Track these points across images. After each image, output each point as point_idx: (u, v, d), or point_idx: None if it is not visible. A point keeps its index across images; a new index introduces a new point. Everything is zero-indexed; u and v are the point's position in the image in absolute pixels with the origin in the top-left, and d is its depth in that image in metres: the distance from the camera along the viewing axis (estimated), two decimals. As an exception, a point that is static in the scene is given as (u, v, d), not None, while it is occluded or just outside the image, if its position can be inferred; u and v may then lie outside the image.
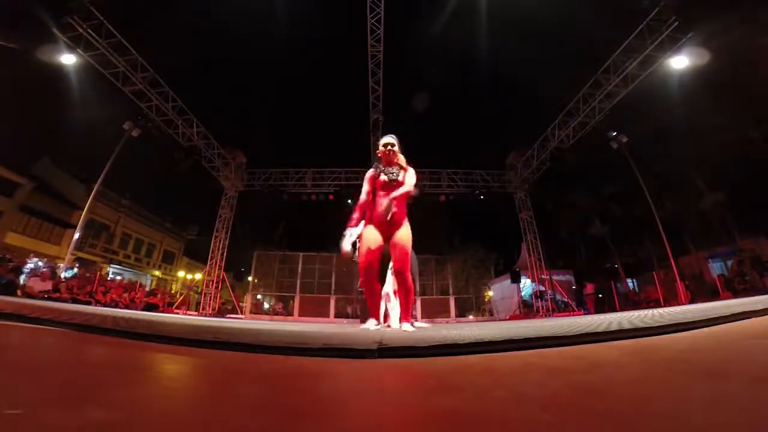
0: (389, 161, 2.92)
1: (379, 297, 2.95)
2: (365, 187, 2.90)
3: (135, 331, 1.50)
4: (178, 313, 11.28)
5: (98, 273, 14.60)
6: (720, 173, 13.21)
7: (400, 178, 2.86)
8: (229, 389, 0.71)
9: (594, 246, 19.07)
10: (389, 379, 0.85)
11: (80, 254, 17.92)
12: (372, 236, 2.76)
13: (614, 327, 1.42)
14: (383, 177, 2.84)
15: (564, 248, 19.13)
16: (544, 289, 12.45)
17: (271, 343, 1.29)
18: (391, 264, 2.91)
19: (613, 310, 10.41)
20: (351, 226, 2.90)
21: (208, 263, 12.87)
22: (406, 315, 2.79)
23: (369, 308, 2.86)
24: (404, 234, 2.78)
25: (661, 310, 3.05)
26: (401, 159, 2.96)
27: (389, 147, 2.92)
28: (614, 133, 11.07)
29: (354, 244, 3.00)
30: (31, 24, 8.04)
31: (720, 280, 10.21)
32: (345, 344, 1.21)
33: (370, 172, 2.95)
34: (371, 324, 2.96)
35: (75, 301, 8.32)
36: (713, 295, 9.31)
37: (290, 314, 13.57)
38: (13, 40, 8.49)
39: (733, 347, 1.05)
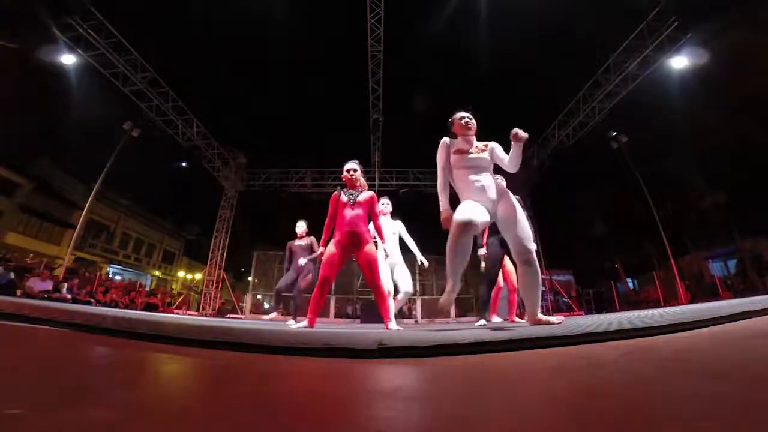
0: (352, 185, 3.31)
1: (320, 306, 3.18)
2: (329, 210, 3.24)
3: (135, 331, 1.50)
4: (178, 313, 11.29)
5: (98, 273, 14.61)
6: (720, 173, 13.20)
7: (359, 199, 3.21)
8: (229, 389, 0.71)
9: (594, 246, 19.08)
10: (389, 379, 0.85)
11: (80, 254, 17.92)
12: (332, 253, 3.09)
13: (614, 327, 1.41)
14: (343, 197, 3.22)
15: (564, 248, 19.12)
16: (544, 289, 12.47)
17: (271, 343, 1.29)
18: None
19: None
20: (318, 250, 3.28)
21: (208, 263, 12.87)
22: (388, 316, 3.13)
23: (312, 311, 3.10)
24: (370, 249, 3.13)
25: (661, 310, 3.05)
26: (362, 182, 3.36)
27: (352, 172, 3.30)
28: (614, 133, 11.07)
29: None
30: (31, 24, 8.04)
31: (720, 280, 10.22)
32: (345, 344, 1.21)
33: (332, 195, 3.29)
34: (298, 324, 3.30)
35: (75, 301, 8.32)
36: (713, 295, 9.32)
37: (290, 314, 13.52)
38: (13, 40, 8.49)
39: (733, 347, 1.05)
